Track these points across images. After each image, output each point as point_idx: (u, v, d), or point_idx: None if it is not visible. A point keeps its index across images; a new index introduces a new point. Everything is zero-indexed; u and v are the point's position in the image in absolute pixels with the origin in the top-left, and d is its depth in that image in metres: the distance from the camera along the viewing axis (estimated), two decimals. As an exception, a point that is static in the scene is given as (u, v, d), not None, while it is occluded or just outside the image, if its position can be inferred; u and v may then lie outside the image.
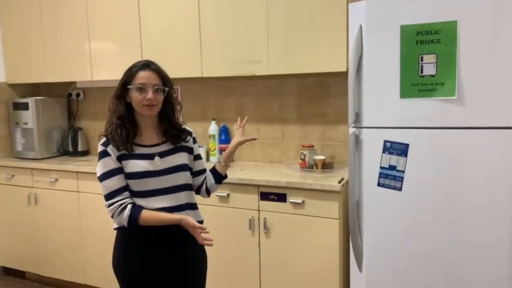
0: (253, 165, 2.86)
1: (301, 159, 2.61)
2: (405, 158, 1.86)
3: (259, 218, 2.39)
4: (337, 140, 2.71)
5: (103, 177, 1.61)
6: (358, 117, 1.93)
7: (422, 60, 1.79)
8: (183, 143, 1.72)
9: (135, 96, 1.60)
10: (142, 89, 1.59)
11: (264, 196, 2.36)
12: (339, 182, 2.22)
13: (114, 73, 2.95)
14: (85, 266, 2.99)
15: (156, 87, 1.61)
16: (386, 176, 1.90)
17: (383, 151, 1.90)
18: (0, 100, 3.41)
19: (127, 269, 1.67)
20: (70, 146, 3.43)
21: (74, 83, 3.48)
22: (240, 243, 2.45)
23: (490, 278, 1.77)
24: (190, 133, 1.77)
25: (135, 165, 1.61)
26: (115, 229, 1.69)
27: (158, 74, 1.63)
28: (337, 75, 2.54)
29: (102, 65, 3.04)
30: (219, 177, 1.84)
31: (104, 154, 1.61)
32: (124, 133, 1.61)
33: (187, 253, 1.69)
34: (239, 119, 1.90)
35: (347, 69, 2.00)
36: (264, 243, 2.39)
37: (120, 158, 1.61)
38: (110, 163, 1.60)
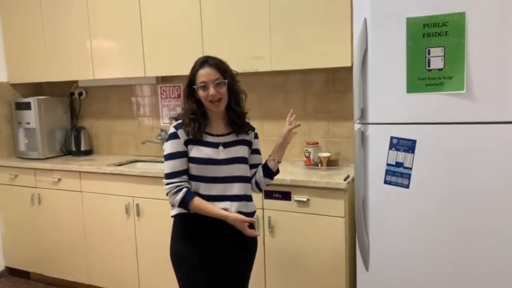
0: (257, 163, 2.82)
1: (305, 156, 2.57)
2: (412, 154, 1.82)
3: (263, 217, 2.35)
4: (343, 136, 2.66)
5: (169, 157, 1.72)
6: (363, 113, 1.89)
7: (429, 54, 1.74)
8: (245, 136, 1.82)
9: (201, 94, 1.71)
10: (204, 87, 1.69)
11: (268, 195, 2.33)
12: (345, 180, 2.18)
13: (116, 72, 2.99)
14: (89, 266, 2.98)
15: (216, 82, 1.69)
16: (393, 173, 1.86)
17: (390, 148, 1.86)
18: (2, 100, 3.40)
19: (183, 257, 1.74)
20: (73, 146, 3.41)
21: (76, 82, 3.46)
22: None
23: (499, 276, 1.73)
24: (253, 128, 1.88)
25: (200, 151, 1.71)
26: (172, 216, 1.76)
27: (216, 68, 1.71)
28: (342, 70, 2.50)
29: (103, 63, 3.01)
30: (270, 173, 1.88)
31: (174, 136, 1.73)
32: (197, 126, 1.72)
33: (237, 240, 1.73)
34: (290, 113, 1.89)
35: (352, 64, 1.96)
36: (268, 242, 2.36)
37: (187, 142, 1.72)
38: (178, 145, 1.71)
